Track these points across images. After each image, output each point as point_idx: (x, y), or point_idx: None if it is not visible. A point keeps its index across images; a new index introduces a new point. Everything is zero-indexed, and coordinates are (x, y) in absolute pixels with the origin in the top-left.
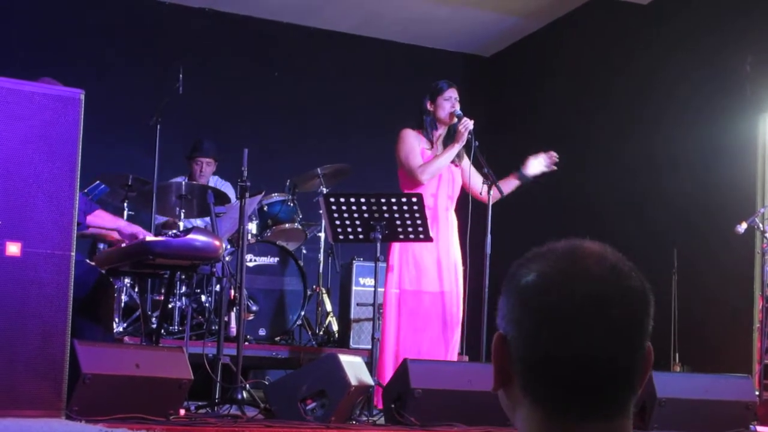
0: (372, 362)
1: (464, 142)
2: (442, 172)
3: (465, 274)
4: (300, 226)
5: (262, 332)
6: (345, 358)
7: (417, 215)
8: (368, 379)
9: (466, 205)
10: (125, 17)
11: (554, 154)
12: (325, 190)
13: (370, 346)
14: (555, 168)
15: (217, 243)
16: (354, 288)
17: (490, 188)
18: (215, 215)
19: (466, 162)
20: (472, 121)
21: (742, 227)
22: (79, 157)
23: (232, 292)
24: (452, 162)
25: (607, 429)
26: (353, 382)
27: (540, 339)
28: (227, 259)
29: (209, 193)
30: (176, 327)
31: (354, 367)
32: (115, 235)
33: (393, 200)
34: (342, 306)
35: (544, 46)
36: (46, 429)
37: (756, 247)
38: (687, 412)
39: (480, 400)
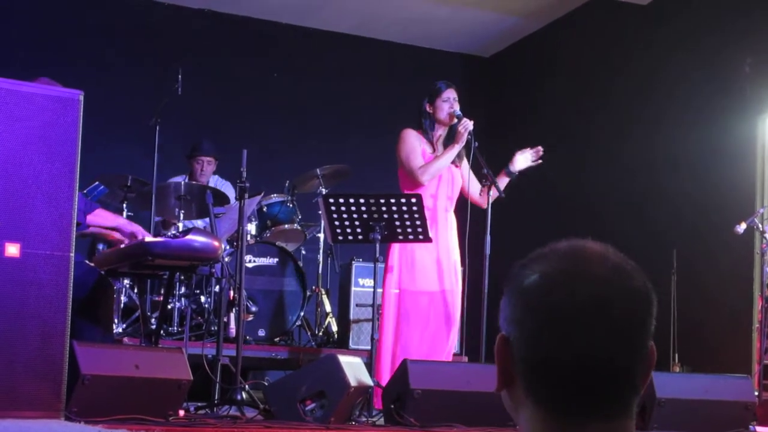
0: (371, 363)
1: (464, 143)
2: (442, 173)
3: (464, 275)
4: (299, 227)
5: (261, 333)
6: (344, 359)
7: (416, 216)
8: (367, 380)
9: (466, 206)
10: (125, 18)
11: (540, 148)
12: (324, 191)
13: (369, 347)
14: (541, 162)
15: (216, 244)
16: (353, 289)
17: (489, 188)
18: (214, 216)
19: (465, 167)
20: (471, 122)
21: (742, 228)
22: (79, 158)
23: (232, 292)
24: (452, 163)
25: (609, 429)
26: (353, 382)
27: (541, 339)
28: (226, 259)
29: (208, 193)
30: (175, 328)
31: (353, 368)
32: (115, 235)
33: (392, 201)
34: (341, 307)
35: (543, 46)
36: (45, 430)
37: (755, 247)
38: (686, 412)
39: (479, 400)
